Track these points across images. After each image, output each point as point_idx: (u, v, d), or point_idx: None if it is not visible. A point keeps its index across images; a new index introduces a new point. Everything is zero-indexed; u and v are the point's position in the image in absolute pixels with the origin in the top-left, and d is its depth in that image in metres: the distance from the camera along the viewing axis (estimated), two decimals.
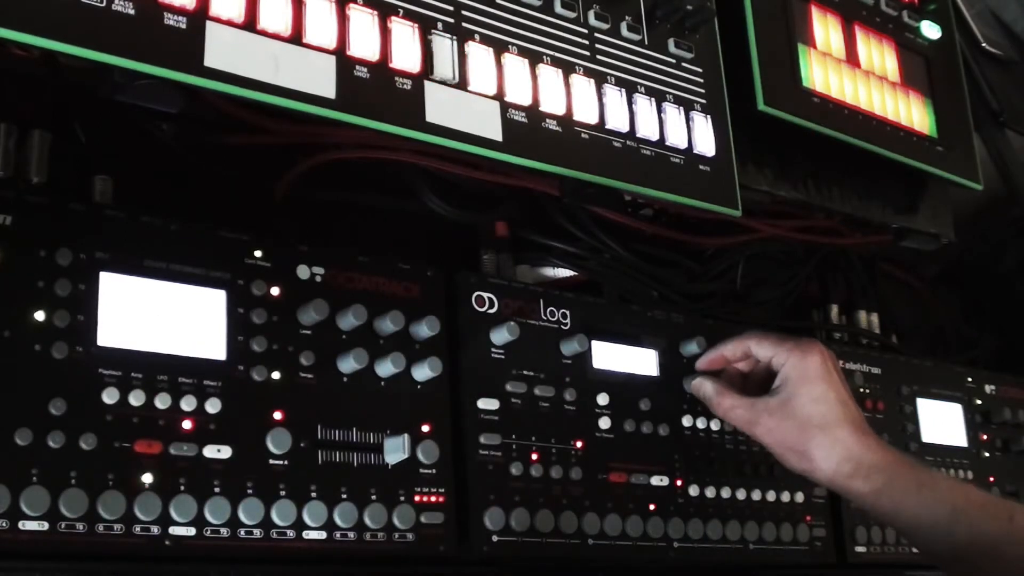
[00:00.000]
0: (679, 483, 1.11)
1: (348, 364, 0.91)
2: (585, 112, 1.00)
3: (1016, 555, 1.00)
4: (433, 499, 0.94)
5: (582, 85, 1.01)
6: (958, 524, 1.01)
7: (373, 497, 0.90)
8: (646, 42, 1.08)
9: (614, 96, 1.03)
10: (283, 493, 0.86)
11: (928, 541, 1.04)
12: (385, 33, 0.88)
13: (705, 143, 1.09)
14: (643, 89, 1.06)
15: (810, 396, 1.06)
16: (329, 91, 0.84)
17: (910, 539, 1.09)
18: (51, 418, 0.77)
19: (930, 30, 1.41)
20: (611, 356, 1.11)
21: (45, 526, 0.75)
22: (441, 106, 0.90)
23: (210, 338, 0.86)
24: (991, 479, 1.43)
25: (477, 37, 0.95)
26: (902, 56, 1.36)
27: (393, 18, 0.90)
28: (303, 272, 0.92)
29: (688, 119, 1.08)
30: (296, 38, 0.83)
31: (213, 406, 0.85)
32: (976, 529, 1.01)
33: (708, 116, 1.10)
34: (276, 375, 0.88)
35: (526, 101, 0.96)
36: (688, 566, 1.10)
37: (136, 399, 0.81)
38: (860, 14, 1.33)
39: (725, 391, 1.11)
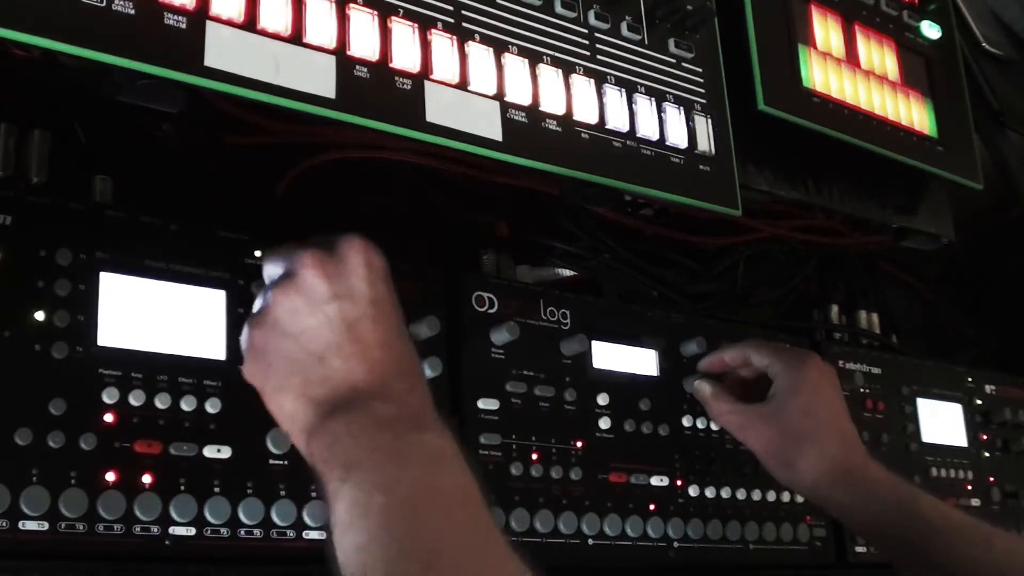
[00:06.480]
0: (679, 483, 1.11)
1: None
2: (585, 112, 1.00)
3: None
4: None
5: (582, 85, 1.01)
6: (934, 544, 1.01)
7: None
8: (646, 42, 1.08)
9: (614, 96, 1.03)
10: (283, 493, 0.86)
11: (904, 558, 1.04)
12: (385, 33, 0.88)
13: (705, 143, 1.09)
14: (643, 89, 1.06)
15: (800, 408, 1.06)
16: (329, 91, 0.84)
17: (888, 555, 1.08)
18: (51, 418, 0.77)
19: (930, 30, 1.41)
20: (611, 356, 1.11)
21: (45, 526, 0.75)
22: (441, 106, 0.90)
23: (210, 338, 0.86)
24: (991, 479, 1.43)
25: (477, 37, 0.95)
26: (902, 56, 1.36)
27: (393, 18, 0.89)
28: None
29: (688, 119, 1.08)
30: (296, 38, 0.83)
31: (213, 406, 0.85)
32: (954, 551, 1.01)
33: (708, 116, 1.10)
34: None
35: (526, 101, 0.96)
36: (688, 566, 1.10)
37: (136, 399, 0.81)
38: (860, 14, 1.32)
39: (721, 395, 1.11)
